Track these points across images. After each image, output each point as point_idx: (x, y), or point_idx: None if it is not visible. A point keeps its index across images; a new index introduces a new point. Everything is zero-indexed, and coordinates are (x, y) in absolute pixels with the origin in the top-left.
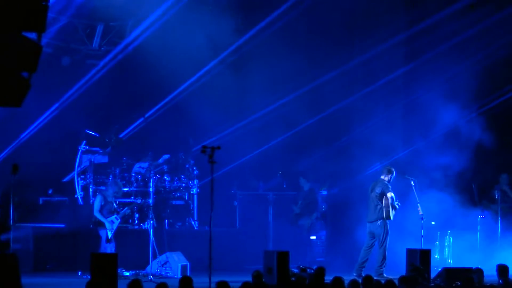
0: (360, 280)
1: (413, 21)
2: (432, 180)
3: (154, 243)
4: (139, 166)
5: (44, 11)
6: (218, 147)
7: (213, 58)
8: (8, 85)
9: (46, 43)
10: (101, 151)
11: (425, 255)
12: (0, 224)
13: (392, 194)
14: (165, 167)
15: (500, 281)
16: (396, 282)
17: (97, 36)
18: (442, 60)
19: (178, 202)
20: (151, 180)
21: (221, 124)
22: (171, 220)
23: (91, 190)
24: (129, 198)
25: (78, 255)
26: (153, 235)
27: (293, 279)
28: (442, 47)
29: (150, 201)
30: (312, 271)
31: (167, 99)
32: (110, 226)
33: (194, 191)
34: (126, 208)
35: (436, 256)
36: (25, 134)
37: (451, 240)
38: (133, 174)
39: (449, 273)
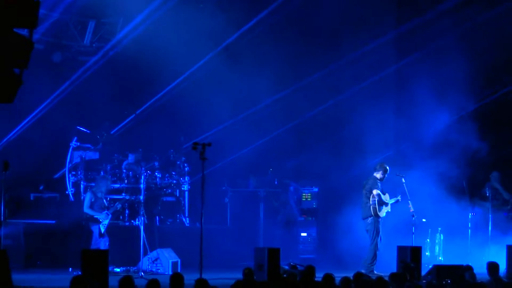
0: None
1: (402, 19)
2: (423, 177)
3: (145, 239)
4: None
5: (36, 8)
6: (209, 144)
7: (204, 55)
8: None
9: (37, 39)
10: (92, 148)
11: (416, 252)
12: None
13: (378, 191)
14: (156, 163)
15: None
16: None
17: (88, 33)
18: (432, 59)
19: (169, 198)
20: (142, 176)
21: (212, 121)
22: (162, 217)
23: (82, 186)
24: (120, 194)
25: (69, 251)
26: (144, 231)
27: (284, 275)
28: (431, 45)
29: (141, 197)
30: (303, 268)
31: (158, 96)
32: (105, 217)
33: (185, 187)
34: (117, 203)
35: (427, 253)
36: (16, 130)
37: (442, 237)
38: (124, 170)
39: (440, 270)
